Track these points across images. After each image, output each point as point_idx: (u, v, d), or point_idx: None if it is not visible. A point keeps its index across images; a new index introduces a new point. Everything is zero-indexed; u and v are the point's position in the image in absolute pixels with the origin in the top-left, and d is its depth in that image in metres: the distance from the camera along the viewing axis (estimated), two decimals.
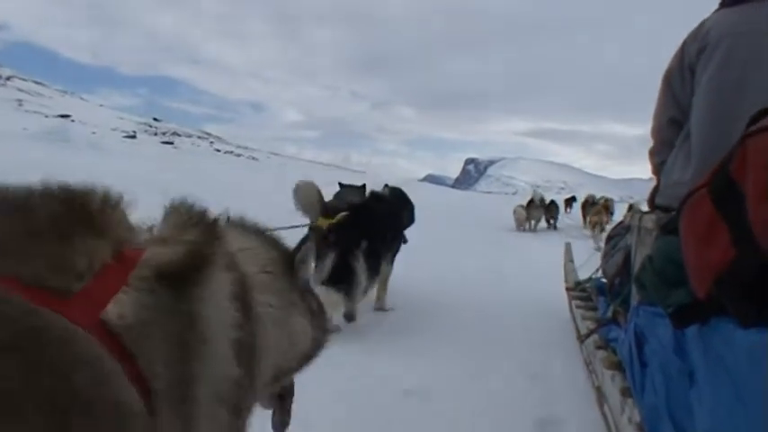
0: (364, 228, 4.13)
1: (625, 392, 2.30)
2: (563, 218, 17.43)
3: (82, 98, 78.23)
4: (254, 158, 47.33)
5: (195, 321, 0.80)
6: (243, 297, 0.96)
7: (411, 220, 5.48)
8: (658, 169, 2.88)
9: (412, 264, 5.74)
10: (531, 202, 16.27)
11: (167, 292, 0.78)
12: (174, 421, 0.75)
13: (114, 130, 46.74)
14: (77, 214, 0.77)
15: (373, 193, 5.06)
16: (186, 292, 0.80)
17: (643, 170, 2.99)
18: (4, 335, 0.56)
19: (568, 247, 6.11)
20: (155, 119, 72.32)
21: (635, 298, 2.58)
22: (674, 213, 2.33)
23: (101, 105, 79.31)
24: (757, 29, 2.37)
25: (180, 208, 0.96)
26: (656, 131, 2.91)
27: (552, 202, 17.66)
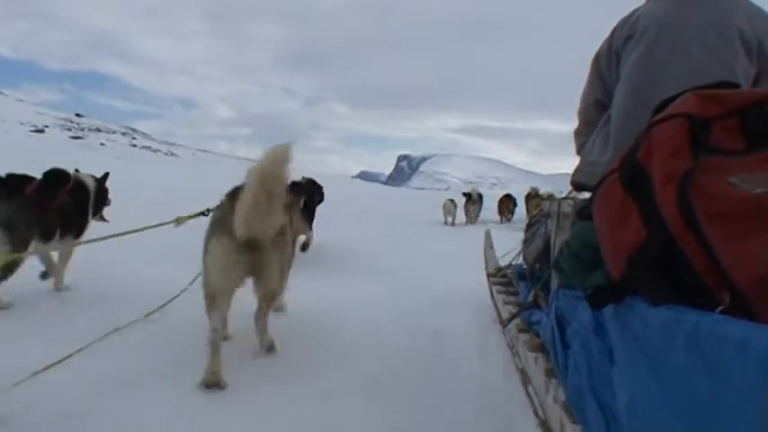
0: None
1: (549, 373, 2.39)
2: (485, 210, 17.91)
3: (2, 93, 72.78)
4: (172, 154, 45.75)
5: None
6: None
7: (321, 199, 7.60)
8: (581, 150, 2.99)
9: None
10: (469, 196, 16.87)
11: None
12: None
13: (23, 124, 43.99)
14: None
15: (293, 182, 5.50)
16: None
17: (571, 165, 3.11)
18: None
19: (488, 234, 6.26)
20: (77, 114, 68.62)
21: (555, 282, 2.67)
22: (589, 199, 2.43)
23: (20, 100, 74.13)
24: (682, 22, 2.49)
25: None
26: (582, 112, 3.01)
27: (508, 195, 18.26)
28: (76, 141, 41.21)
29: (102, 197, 4.58)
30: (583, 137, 2.99)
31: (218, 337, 2.87)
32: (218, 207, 3.15)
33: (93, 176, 4.54)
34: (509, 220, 17.61)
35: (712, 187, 1.35)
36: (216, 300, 2.94)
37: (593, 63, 2.90)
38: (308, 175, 7.43)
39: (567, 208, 2.78)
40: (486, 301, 4.74)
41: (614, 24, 2.75)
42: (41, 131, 41.79)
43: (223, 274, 2.93)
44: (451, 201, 16.15)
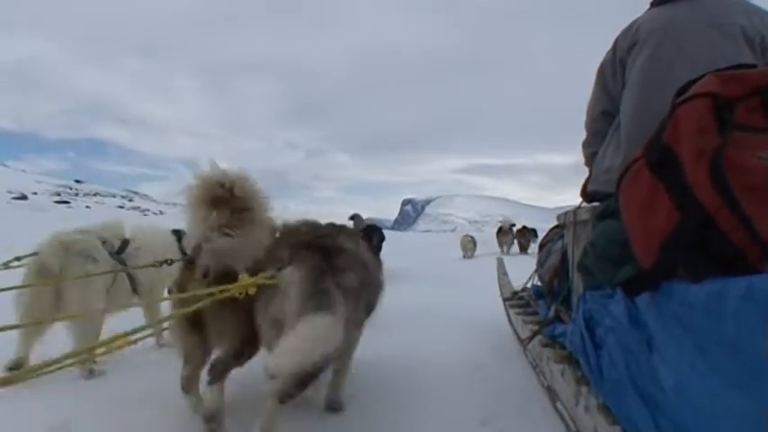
0: None
1: (580, 381, 2.31)
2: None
3: (4, 165, 74.15)
4: (161, 213, 46.15)
5: None
6: None
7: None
8: (590, 160, 2.98)
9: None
10: (500, 229, 18.19)
11: None
12: None
13: (11, 192, 44.93)
14: None
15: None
16: None
17: (574, 196, 3.13)
18: None
19: (501, 262, 6.21)
20: (76, 180, 69.81)
21: (578, 288, 2.62)
22: (607, 201, 2.41)
23: (23, 171, 75.49)
24: (683, 23, 2.52)
25: None
26: (589, 124, 3.02)
27: (524, 227, 18.61)
28: (61, 206, 42.40)
29: None
30: (592, 147, 3.00)
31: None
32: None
33: None
34: (526, 251, 17.83)
35: (744, 161, 1.35)
36: None
37: (597, 74, 2.92)
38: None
39: (584, 215, 2.75)
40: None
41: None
42: (25, 198, 42.83)
43: None
44: (467, 237, 16.78)
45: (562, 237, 3.71)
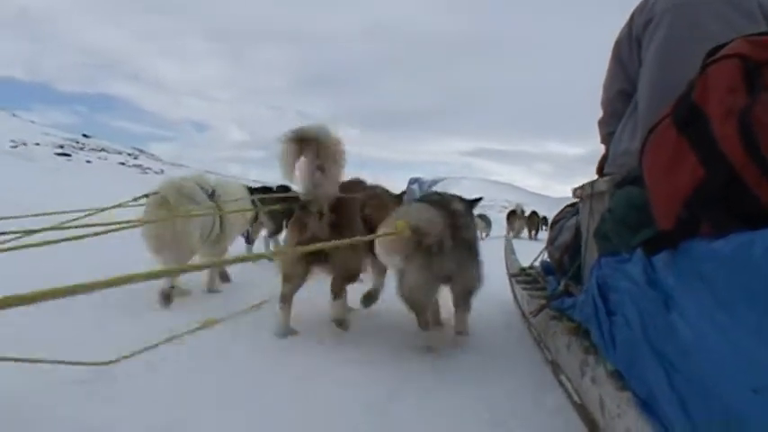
0: None
1: (588, 351, 2.28)
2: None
3: (14, 114, 74.19)
4: (162, 172, 46.36)
5: None
6: None
7: None
8: (607, 140, 2.94)
9: None
10: (512, 213, 18.50)
11: None
12: None
13: (13, 141, 45.31)
14: None
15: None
16: None
17: None
18: None
19: (509, 242, 6.17)
20: (84, 135, 69.90)
21: (590, 262, 2.58)
22: (628, 170, 2.36)
23: (32, 122, 75.45)
24: (699, 1, 2.45)
25: None
26: (606, 103, 2.97)
27: (534, 213, 18.95)
28: (61, 158, 42.65)
29: None
30: (609, 127, 2.96)
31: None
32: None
33: None
34: (535, 236, 17.92)
35: None
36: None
37: (613, 51, 2.87)
38: None
39: (602, 186, 2.70)
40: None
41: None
42: (19, 146, 43.41)
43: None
44: (480, 217, 16.91)
45: (575, 214, 3.67)
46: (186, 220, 3.89)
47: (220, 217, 4.41)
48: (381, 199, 4.12)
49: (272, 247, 6.72)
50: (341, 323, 3.37)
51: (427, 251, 2.93)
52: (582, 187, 3.15)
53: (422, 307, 3.17)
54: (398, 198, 4.47)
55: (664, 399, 1.43)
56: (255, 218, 5.55)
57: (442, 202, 3.29)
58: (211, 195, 4.43)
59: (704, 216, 1.40)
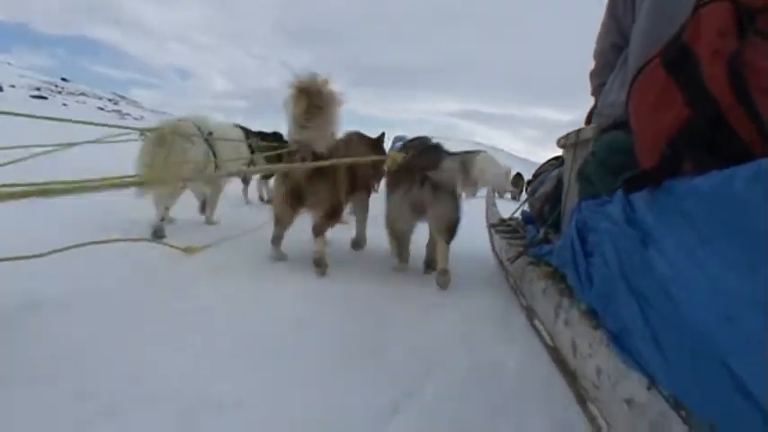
0: None
1: (563, 293, 2.31)
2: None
3: None
4: (141, 118, 45.78)
5: None
6: None
7: None
8: (597, 91, 2.94)
9: None
10: None
11: None
12: None
13: None
14: None
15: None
16: None
17: None
18: None
19: (490, 194, 6.17)
20: (63, 78, 68.09)
21: (571, 202, 2.60)
22: (615, 120, 2.35)
23: (8, 64, 73.15)
24: None
25: None
26: (599, 54, 2.97)
27: (519, 174, 19.08)
28: (36, 101, 41.95)
29: None
30: (600, 78, 2.96)
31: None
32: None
33: None
34: (518, 197, 18.15)
35: (762, 64, 1.34)
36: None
37: (608, 6, 2.86)
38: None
39: (588, 133, 2.69)
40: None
41: None
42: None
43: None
44: None
45: (559, 167, 3.68)
46: (178, 155, 4.04)
47: (215, 157, 4.57)
48: (359, 143, 4.32)
49: (265, 190, 7.53)
50: (319, 262, 3.54)
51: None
52: (566, 136, 3.14)
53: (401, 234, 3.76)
54: (376, 142, 4.64)
55: (637, 335, 1.46)
56: (251, 161, 5.63)
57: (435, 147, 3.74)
58: (209, 136, 4.56)
59: (688, 155, 1.41)
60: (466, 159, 3.29)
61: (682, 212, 1.32)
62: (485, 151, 3.45)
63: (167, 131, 4.07)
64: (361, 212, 4.45)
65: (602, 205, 1.88)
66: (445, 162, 3.33)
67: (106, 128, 3.72)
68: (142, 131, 3.95)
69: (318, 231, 3.64)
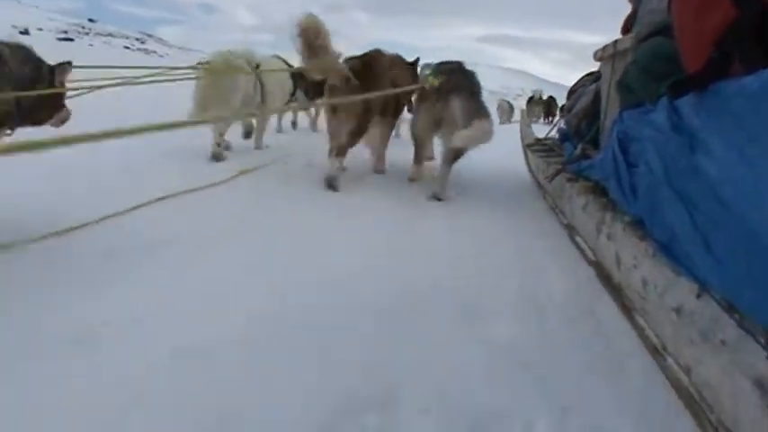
0: None
1: (605, 208, 2.29)
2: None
3: (19, 0, 71.75)
4: (167, 55, 45.36)
5: None
6: None
7: None
8: None
9: None
10: (531, 98, 19.39)
11: None
12: None
13: (15, 27, 43.91)
14: None
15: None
16: None
17: None
18: None
19: (524, 114, 6.06)
20: (90, 19, 67.64)
21: (608, 126, 2.54)
22: (655, 26, 2.26)
23: (36, 7, 72.74)
24: None
25: None
26: None
27: (551, 97, 19.31)
28: (64, 43, 41.61)
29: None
30: None
31: None
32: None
33: None
34: (551, 121, 18.26)
35: None
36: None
37: None
38: None
39: (626, 43, 2.59)
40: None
41: None
42: (26, 33, 42.11)
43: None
44: (505, 101, 17.31)
45: (595, 81, 3.58)
46: (230, 87, 4.36)
47: (261, 86, 4.80)
48: (401, 67, 4.79)
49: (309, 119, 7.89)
50: (331, 182, 3.83)
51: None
52: (604, 48, 3.04)
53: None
54: (412, 65, 5.01)
55: (687, 240, 1.45)
56: (294, 91, 5.80)
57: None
58: (256, 67, 4.78)
59: (736, 52, 1.36)
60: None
61: (730, 113, 1.29)
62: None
63: (220, 64, 4.41)
64: (385, 137, 4.69)
65: (645, 114, 1.84)
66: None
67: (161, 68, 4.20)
68: (196, 66, 4.32)
69: (339, 151, 3.91)
